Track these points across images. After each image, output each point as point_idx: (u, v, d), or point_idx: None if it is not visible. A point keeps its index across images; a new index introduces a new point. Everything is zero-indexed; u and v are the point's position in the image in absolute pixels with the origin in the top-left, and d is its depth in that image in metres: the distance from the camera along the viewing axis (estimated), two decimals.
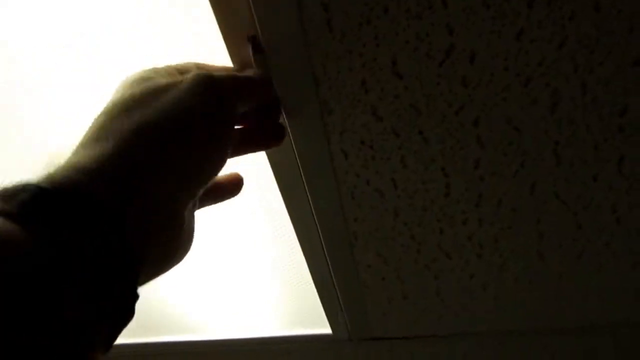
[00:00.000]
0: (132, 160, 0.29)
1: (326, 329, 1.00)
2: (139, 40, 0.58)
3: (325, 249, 0.74)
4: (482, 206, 0.66)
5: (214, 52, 0.47)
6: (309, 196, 0.65)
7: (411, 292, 0.85)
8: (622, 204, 0.64)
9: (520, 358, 1.05)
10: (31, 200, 0.24)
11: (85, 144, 0.30)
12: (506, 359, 1.06)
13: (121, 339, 0.27)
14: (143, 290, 0.29)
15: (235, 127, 0.37)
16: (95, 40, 0.59)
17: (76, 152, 0.30)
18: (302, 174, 0.61)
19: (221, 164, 0.35)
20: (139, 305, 0.28)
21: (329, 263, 0.77)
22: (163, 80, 0.34)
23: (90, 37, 0.59)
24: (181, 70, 0.38)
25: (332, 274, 0.81)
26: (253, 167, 0.65)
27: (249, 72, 0.41)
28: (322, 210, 0.67)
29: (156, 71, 0.36)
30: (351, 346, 1.01)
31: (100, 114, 0.32)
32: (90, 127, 0.31)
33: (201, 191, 0.34)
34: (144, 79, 0.34)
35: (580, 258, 0.74)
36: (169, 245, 0.31)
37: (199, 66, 0.41)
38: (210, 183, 0.34)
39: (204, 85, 0.33)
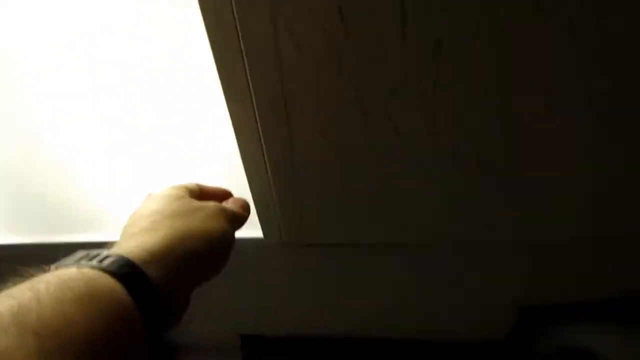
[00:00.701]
0: (176, 255, 0.44)
1: (257, 232, 0.96)
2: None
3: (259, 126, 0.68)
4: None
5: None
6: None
7: (349, 193, 0.82)
8: None
9: (458, 268, 1.07)
10: (122, 264, 0.37)
11: (143, 231, 0.45)
12: (443, 269, 1.07)
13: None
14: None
15: None
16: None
17: (136, 236, 0.45)
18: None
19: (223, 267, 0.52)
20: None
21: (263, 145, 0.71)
22: (195, 203, 0.53)
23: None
24: (202, 191, 0.62)
25: (267, 164, 0.75)
26: None
27: (243, 206, 0.65)
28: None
29: (186, 189, 0.57)
30: (283, 251, 0.98)
31: (152, 214, 0.48)
32: (143, 220, 0.47)
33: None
34: (178, 196, 0.53)
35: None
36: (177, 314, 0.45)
37: (222, 195, 0.69)
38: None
39: (228, 219, 0.55)
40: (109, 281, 0.35)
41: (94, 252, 0.38)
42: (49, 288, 0.31)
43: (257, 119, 0.68)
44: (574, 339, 1.28)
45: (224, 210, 0.55)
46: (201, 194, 0.60)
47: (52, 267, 0.37)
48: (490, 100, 0.66)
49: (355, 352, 1.55)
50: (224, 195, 0.67)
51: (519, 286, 1.14)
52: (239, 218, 0.60)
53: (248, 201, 0.69)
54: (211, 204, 0.54)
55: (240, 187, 0.77)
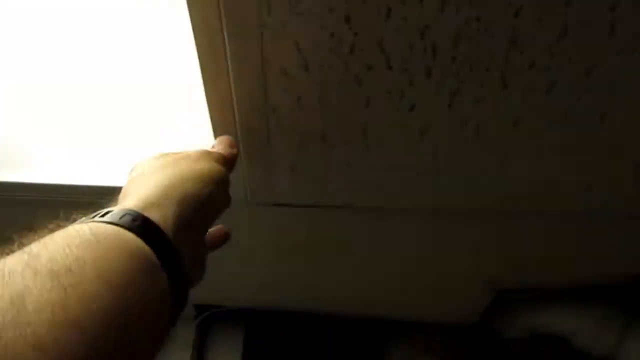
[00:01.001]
0: (173, 198, 0.43)
1: None
2: None
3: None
4: None
5: None
6: None
7: (324, 152, 0.72)
8: None
9: (430, 244, 0.99)
10: (122, 214, 0.37)
11: (134, 192, 0.43)
12: (418, 243, 0.99)
13: None
14: None
15: None
16: None
17: (127, 197, 0.43)
18: None
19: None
20: None
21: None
22: (179, 154, 0.52)
23: None
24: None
25: (236, 116, 0.64)
26: None
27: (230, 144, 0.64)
28: None
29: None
30: (248, 210, 0.87)
31: (137, 177, 0.47)
32: (131, 185, 0.46)
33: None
34: (160, 156, 0.52)
35: None
36: (198, 267, 0.49)
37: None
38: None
39: (216, 159, 0.55)
40: (112, 227, 0.35)
41: (91, 215, 0.38)
42: (54, 237, 0.32)
43: (227, 55, 0.57)
44: (546, 325, 1.23)
45: (210, 153, 0.55)
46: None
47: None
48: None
49: (318, 329, 1.47)
50: None
51: (494, 270, 1.07)
52: (227, 157, 0.58)
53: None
54: (194, 150, 0.54)
55: None
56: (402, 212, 0.89)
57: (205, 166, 0.50)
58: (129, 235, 0.34)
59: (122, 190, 0.46)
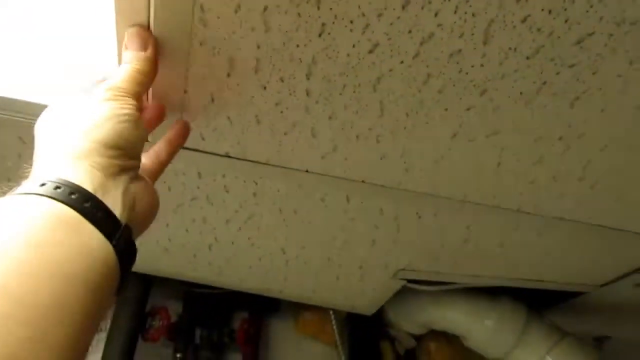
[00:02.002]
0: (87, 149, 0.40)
1: None
2: None
3: None
4: None
5: None
6: None
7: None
8: None
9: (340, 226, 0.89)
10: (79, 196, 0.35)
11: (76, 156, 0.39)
12: (326, 224, 0.88)
13: None
14: None
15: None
16: None
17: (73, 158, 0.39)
18: None
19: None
20: None
21: None
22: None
23: None
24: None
25: None
26: None
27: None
28: None
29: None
30: None
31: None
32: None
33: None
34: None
35: None
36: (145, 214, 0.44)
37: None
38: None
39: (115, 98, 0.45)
40: (35, 197, 0.34)
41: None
42: None
43: None
44: (445, 321, 1.20)
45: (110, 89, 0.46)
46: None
47: None
48: None
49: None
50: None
51: (407, 257, 1.01)
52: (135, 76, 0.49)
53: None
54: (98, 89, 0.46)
55: None
56: (327, 180, 0.77)
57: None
58: (48, 202, 0.34)
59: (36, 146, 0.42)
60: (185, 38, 0.54)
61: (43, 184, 0.34)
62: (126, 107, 0.44)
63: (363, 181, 0.76)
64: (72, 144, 0.39)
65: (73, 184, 0.35)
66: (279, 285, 1.20)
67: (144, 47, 0.50)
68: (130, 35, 0.51)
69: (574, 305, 1.18)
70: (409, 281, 1.10)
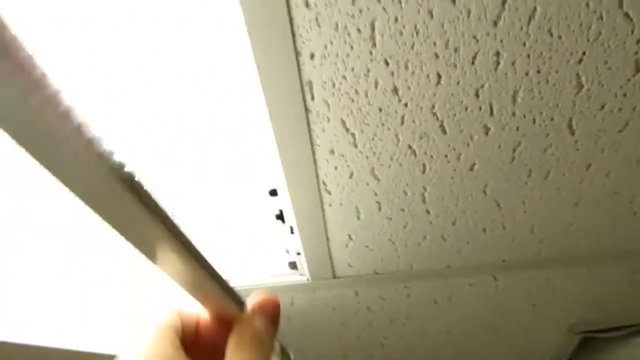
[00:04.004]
0: None
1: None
2: None
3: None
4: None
5: None
6: None
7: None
8: None
9: (512, 296, 0.92)
10: None
11: None
12: (478, 291, 0.92)
13: None
14: None
15: None
16: None
17: None
18: None
19: None
20: None
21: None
22: None
23: None
24: (199, 327, 0.36)
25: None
26: None
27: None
28: None
29: (175, 333, 0.34)
30: (310, 286, 0.83)
31: None
32: None
33: None
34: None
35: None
36: None
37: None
38: None
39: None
40: None
41: None
42: None
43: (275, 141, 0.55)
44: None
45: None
46: (198, 330, 0.37)
47: None
48: None
49: None
50: (226, 313, 0.36)
51: (578, 313, 0.99)
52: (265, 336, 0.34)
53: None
54: None
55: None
56: (471, 268, 0.83)
57: None
58: None
59: None
60: (318, 204, 0.66)
61: None
62: None
63: (504, 260, 0.81)
64: None
65: None
66: None
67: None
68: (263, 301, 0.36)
69: None
70: (588, 332, 1.06)
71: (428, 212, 0.69)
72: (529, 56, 0.49)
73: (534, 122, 0.55)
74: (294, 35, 0.46)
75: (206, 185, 0.72)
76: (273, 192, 0.71)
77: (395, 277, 0.84)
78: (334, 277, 0.83)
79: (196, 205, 0.76)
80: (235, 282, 0.88)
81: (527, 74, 0.50)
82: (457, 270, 0.83)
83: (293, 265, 0.84)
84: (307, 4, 0.44)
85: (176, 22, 0.51)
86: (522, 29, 0.47)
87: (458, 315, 0.99)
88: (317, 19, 0.45)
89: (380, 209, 0.68)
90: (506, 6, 0.45)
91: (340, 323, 1.03)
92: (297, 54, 0.48)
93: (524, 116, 0.54)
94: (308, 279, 0.84)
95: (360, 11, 0.44)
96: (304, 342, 1.09)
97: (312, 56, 0.48)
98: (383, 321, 1.03)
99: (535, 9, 0.46)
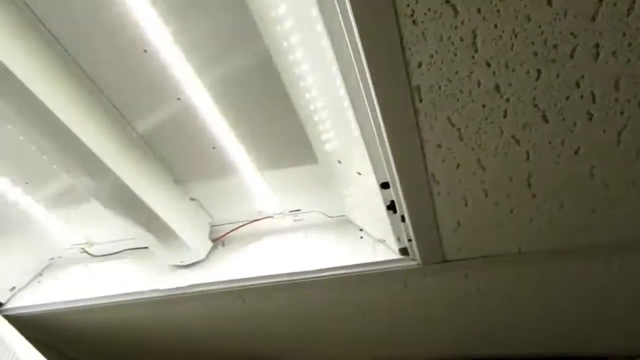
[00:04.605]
0: None
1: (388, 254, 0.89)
2: None
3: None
4: None
5: None
6: None
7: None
8: None
9: (621, 278, 0.91)
10: None
11: None
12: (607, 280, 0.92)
13: None
14: None
15: None
16: None
17: None
18: None
19: None
20: None
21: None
22: None
23: None
24: None
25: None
26: None
27: None
28: None
29: None
30: (420, 271, 0.90)
31: None
32: None
33: None
34: None
35: None
36: None
37: None
38: None
39: None
40: None
41: None
42: None
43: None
44: None
45: None
46: None
47: None
48: None
49: None
50: None
51: None
52: None
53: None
54: None
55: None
56: (581, 250, 0.84)
57: None
58: None
59: None
60: (427, 194, 0.73)
61: None
62: None
63: (615, 241, 0.81)
64: None
65: None
66: None
67: None
68: None
69: None
70: None
71: (534, 196, 0.72)
72: (629, 44, 0.51)
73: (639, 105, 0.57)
74: (403, 49, 0.53)
75: None
76: (385, 185, 0.78)
77: (503, 260, 0.88)
78: (445, 261, 0.89)
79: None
80: (350, 270, 0.97)
81: (628, 61, 0.53)
82: (566, 252, 0.85)
83: (404, 252, 0.91)
84: (414, 22, 0.50)
85: None
86: (621, 20, 0.50)
87: (566, 298, 0.99)
88: (423, 33, 0.51)
89: (486, 196, 0.73)
90: (603, 2, 0.48)
91: (451, 305, 1.08)
92: (406, 64, 0.55)
93: (628, 101, 0.57)
94: (419, 264, 0.90)
95: (462, 22, 0.50)
96: (415, 325, 1.16)
97: (419, 65, 0.55)
98: (492, 303, 1.06)
99: (634, 1, 0.48)
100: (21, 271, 1.23)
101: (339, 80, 0.67)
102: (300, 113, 0.84)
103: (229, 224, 1.07)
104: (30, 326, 1.22)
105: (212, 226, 1.08)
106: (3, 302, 1.20)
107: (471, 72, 0.55)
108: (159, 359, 1.37)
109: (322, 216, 1.04)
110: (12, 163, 0.97)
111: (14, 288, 1.22)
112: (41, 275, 1.24)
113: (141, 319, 1.16)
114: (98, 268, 1.18)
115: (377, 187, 0.79)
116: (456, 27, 0.51)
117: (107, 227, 1.10)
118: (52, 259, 1.24)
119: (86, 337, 1.29)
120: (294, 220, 1.05)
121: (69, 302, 1.13)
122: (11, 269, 1.21)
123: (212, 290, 1.03)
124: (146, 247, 1.11)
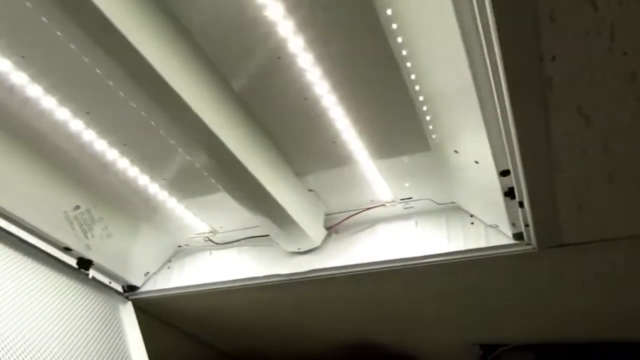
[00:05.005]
0: None
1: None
2: None
3: None
4: None
5: None
6: None
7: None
8: None
9: None
10: None
11: None
12: None
13: None
14: None
15: None
16: None
17: None
18: None
19: None
20: None
21: None
22: None
23: None
24: None
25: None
26: None
27: None
28: None
29: None
30: (536, 255, 0.92)
31: None
32: None
33: None
34: None
35: None
36: None
37: None
38: None
39: None
40: None
41: None
42: None
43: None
44: None
45: None
46: None
47: None
48: None
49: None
50: None
51: None
52: None
53: None
54: None
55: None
56: None
57: None
58: None
59: None
60: (549, 181, 0.75)
61: None
62: None
63: None
64: None
65: None
66: None
67: None
68: None
69: None
70: None
71: None
72: None
73: None
74: (538, 43, 0.56)
75: None
76: (504, 173, 0.81)
77: (624, 244, 0.88)
78: (561, 245, 0.90)
79: None
80: (463, 255, 1.01)
81: None
82: None
83: (519, 236, 0.94)
84: (552, 19, 0.54)
85: None
86: None
87: None
88: (560, 29, 0.54)
89: (611, 181, 0.74)
90: None
91: (565, 289, 1.09)
92: (540, 58, 0.58)
93: None
94: (534, 248, 0.92)
95: (600, 18, 0.53)
96: (525, 309, 1.18)
97: (553, 58, 0.58)
98: (610, 287, 1.06)
99: None
100: (153, 258, 1.38)
101: (466, 73, 0.70)
102: (416, 104, 0.87)
103: (342, 212, 1.14)
104: (161, 308, 1.37)
105: (326, 215, 1.16)
106: (138, 285, 1.36)
107: (607, 62, 0.57)
108: (276, 337, 1.49)
109: (431, 203, 1.08)
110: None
111: (147, 273, 1.36)
112: (170, 261, 1.38)
113: (262, 302, 1.27)
114: (221, 255, 1.30)
115: (494, 175, 0.82)
116: (595, 22, 0.53)
117: (231, 217, 1.20)
118: (180, 246, 1.37)
119: (210, 319, 1.42)
120: (404, 208, 1.10)
121: (196, 285, 1.26)
122: (144, 256, 1.35)
123: (329, 274, 1.11)
124: (266, 236, 1.20)
